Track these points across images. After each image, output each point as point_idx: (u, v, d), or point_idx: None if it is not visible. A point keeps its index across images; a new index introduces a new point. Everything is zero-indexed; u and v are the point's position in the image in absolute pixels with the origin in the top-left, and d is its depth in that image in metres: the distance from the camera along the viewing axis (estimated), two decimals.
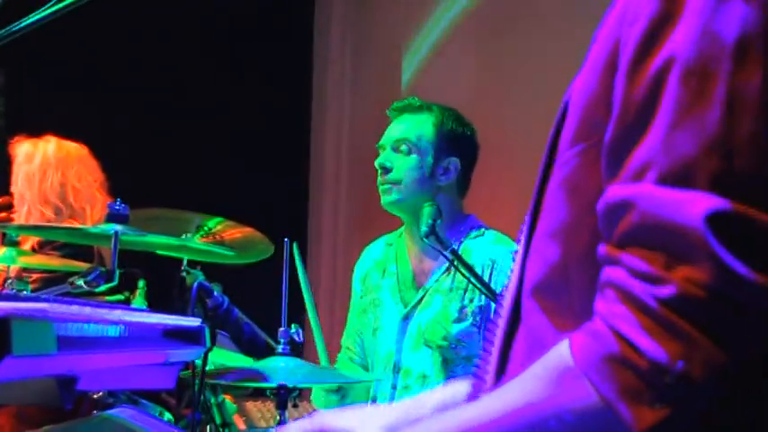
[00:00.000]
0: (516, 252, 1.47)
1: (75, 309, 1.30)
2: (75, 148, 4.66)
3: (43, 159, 4.56)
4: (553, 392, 1.21)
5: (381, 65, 6.50)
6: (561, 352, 1.22)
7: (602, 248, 1.23)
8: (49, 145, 4.61)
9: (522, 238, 1.43)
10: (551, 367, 1.22)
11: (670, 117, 1.18)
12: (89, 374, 1.44)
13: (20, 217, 4.51)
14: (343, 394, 3.57)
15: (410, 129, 3.50)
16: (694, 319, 1.13)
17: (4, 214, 4.66)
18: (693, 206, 1.14)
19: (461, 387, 1.68)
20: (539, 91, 5.49)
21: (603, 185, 1.24)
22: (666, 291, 1.14)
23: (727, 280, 1.12)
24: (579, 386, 1.18)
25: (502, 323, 1.43)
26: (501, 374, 1.40)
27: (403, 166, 3.46)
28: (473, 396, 1.50)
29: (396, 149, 3.49)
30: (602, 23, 1.32)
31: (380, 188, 3.48)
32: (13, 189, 4.64)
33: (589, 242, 1.28)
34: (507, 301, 1.43)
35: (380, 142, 3.55)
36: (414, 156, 3.46)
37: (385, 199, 3.48)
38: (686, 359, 1.12)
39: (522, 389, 1.25)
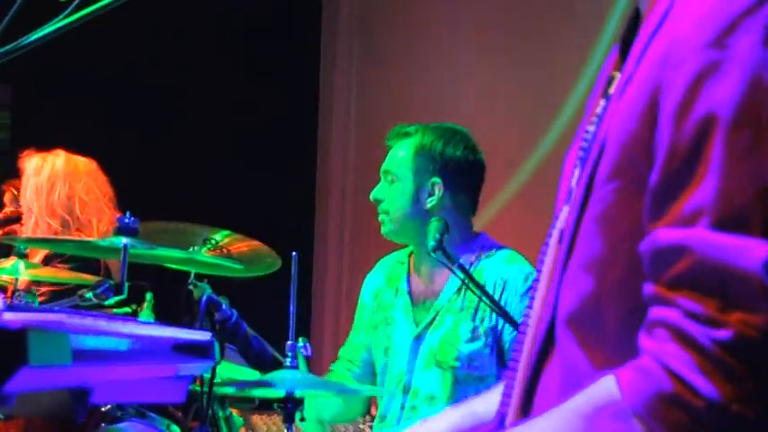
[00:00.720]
0: (537, 281, 1.48)
1: (89, 321, 1.31)
2: (83, 163, 4.67)
3: (51, 172, 4.57)
4: (595, 427, 1.22)
5: (388, 75, 6.50)
6: (608, 387, 1.22)
7: (651, 288, 1.24)
8: (58, 158, 4.63)
9: (550, 259, 1.44)
10: (596, 402, 1.23)
11: (723, 164, 1.20)
12: (101, 387, 1.44)
13: (27, 229, 4.52)
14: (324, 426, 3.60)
15: (392, 158, 3.51)
16: (750, 361, 1.15)
17: (10, 227, 4.67)
18: (751, 252, 1.17)
19: (480, 405, 1.68)
20: (547, 102, 5.50)
21: (646, 226, 1.26)
22: (723, 333, 1.16)
23: None
24: (626, 423, 1.19)
25: (530, 350, 1.43)
26: (529, 400, 1.41)
27: (389, 197, 3.48)
28: (498, 420, 1.50)
29: (387, 181, 3.51)
30: (637, 57, 1.32)
31: (378, 218, 3.52)
32: (22, 202, 4.66)
33: (622, 277, 1.30)
34: (536, 329, 1.43)
35: (380, 171, 3.57)
36: (396, 185, 3.47)
37: (382, 230, 3.52)
38: (741, 401, 1.14)
39: (565, 422, 1.26)
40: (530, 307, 1.49)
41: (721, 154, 1.20)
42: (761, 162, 1.19)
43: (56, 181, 4.56)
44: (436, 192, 3.45)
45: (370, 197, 3.54)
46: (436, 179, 3.45)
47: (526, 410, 1.41)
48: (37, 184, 4.55)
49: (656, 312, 1.22)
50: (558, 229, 1.44)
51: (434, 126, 3.54)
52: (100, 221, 4.52)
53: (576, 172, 1.43)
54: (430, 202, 3.44)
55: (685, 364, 1.17)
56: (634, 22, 1.41)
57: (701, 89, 1.22)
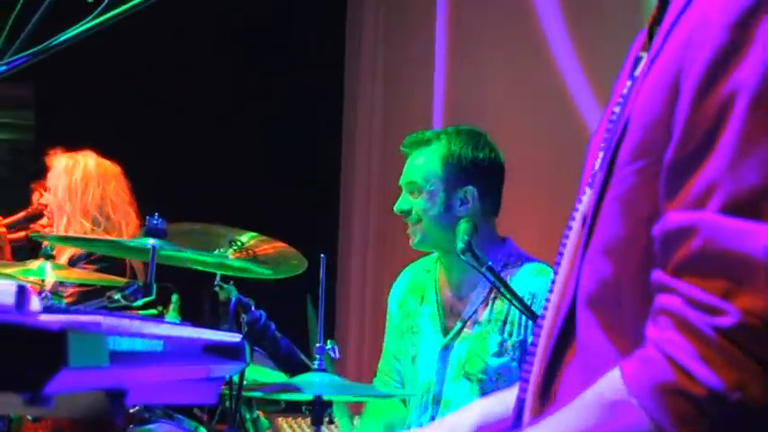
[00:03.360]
0: (558, 264, 1.46)
1: (126, 322, 1.30)
2: (111, 165, 4.72)
3: (84, 172, 4.62)
4: (604, 420, 1.21)
5: (413, 78, 6.49)
6: (612, 378, 1.22)
7: (657, 274, 1.23)
8: (89, 159, 4.68)
9: (571, 244, 1.42)
10: (602, 394, 1.23)
11: (736, 145, 1.18)
12: (136, 388, 1.44)
13: (59, 228, 4.55)
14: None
15: (417, 169, 3.44)
16: (752, 349, 1.14)
17: (33, 226, 4.69)
18: (758, 237, 1.15)
19: (500, 400, 1.67)
20: (569, 109, 5.49)
21: (661, 207, 1.25)
22: (725, 320, 1.15)
23: None
24: (631, 413, 1.18)
25: (549, 333, 1.42)
26: (548, 385, 1.40)
27: (418, 207, 3.43)
28: (516, 410, 1.49)
29: (410, 192, 3.46)
30: (663, 37, 1.31)
31: (408, 231, 3.48)
32: (44, 200, 4.68)
33: (641, 260, 1.28)
34: (555, 310, 1.42)
35: (399, 182, 3.53)
36: (425, 196, 3.41)
37: (411, 241, 3.48)
38: (742, 389, 1.13)
39: (574, 417, 1.25)
40: (550, 291, 1.47)
41: (736, 135, 1.18)
42: None
43: (89, 181, 4.60)
44: (470, 200, 3.41)
45: (395, 210, 3.48)
46: (470, 187, 3.41)
47: (545, 395, 1.40)
48: (70, 183, 4.59)
49: (660, 300, 1.21)
50: (582, 213, 1.43)
51: (456, 130, 3.49)
52: (128, 224, 4.56)
53: (600, 154, 1.42)
54: (463, 211, 3.40)
55: (686, 353, 1.16)
56: (663, 4, 1.40)
57: (722, 69, 1.21)
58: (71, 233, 4.47)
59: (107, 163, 4.72)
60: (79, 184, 4.59)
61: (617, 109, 1.43)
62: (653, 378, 1.17)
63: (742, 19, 1.22)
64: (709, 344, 1.15)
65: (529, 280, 3.38)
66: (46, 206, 4.67)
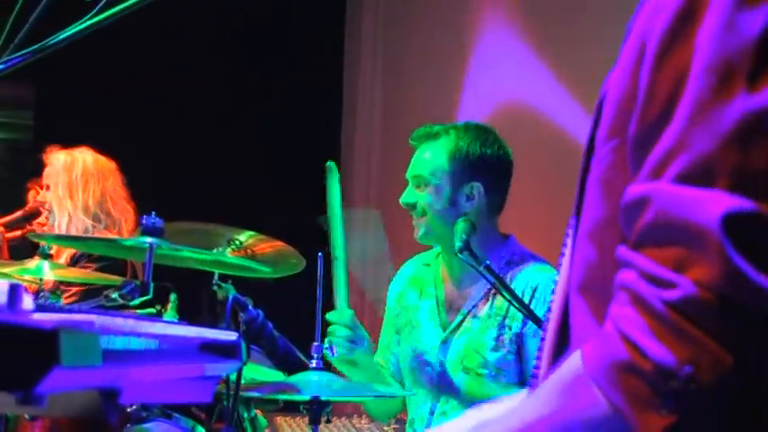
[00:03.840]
0: (563, 255, 1.46)
1: (119, 321, 1.30)
2: (106, 161, 4.73)
3: (84, 169, 4.62)
4: (564, 403, 1.19)
5: (412, 78, 6.49)
6: (573, 360, 1.20)
7: (620, 249, 1.20)
8: (87, 155, 4.68)
9: (570, 238, 1.42)
10: (562, 377, 1.21)
11: (689, 112, 1.15)
12: (130, 387, 1.43)
13: (60, 226, 4.55)
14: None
15: (424, 163, 3.44)
16: (702, 322, 1.09)
17: (30, 225, 4.69)
18: (710, 205, 1.11)
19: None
20: (569, 110, 5.49)
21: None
22: (674, 294, 1.11)
23: (738, 284, 1.09)
24: (589, 394, 1.15)
25: (552, 328, 1.41)
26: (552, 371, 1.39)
27: (424, 201, 3.43)
28: None
29: (416, 186, 3.46)
30: (633, 17, 1.30)
31: (413, 224, 3.48)
32: (41, 198, 4.67)
33: (620, 241, 1.24)
34: (558, 298, 1.41)
35: (406, 175, 3.53)
36: (431, 190, 3.42)
37: (415, 234, 3.48)
38: (694, 363, 1.09)
39: (536, 403, 1.24)
40: (553, 292, 1.47)
41: (688, 101, 1.15)
42: (729, 109, 1.13)
43: (89, 178, 4.61)
44: (476, 196, 3.41)
45: (400, 202, 3.49)
46: (476, 183, 3.41)
47: None
48: (70, 180, 4.59)
49: (619, 275, 1.18)
50: (575, 207, 1.40)
51: (465, 126, 3.50)
52: (127, 221, 4.56)
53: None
54: (469, 207, 3.40)
55: (638, 327, 1.12)
56: None
57: (678, 34, 1.18)
58: (72, 230, 4.47)
59: (103, 159, 4.72)
60: (80, 181, 4.59)
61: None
62: (608, 355, 1.14)
63: None
64: (660, 318, 1.10)
65: (532, 275, 3.39)
66: (43, 204, 4.66)
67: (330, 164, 3.33)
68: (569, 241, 1.41)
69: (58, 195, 4.60)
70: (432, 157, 3.43)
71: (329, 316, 3.32)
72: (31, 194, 4.81)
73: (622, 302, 1.16)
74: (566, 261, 1.42)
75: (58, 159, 4.65)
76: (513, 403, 1.65)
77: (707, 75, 1.15)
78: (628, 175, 1.23)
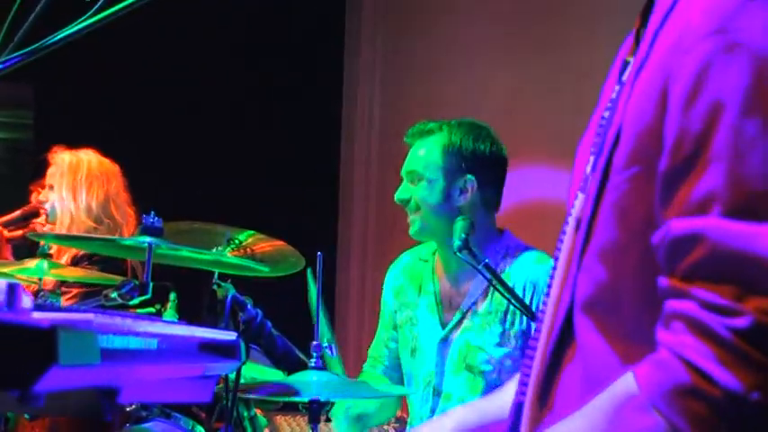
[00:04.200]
0: (554, 269, 1.46)
1: (118, 320, 1.30)
2: (110, 164, 4.72)
3: (89, 171, 4.61)
4: (618, 424, 1.21)
5: (412, 75, 6.49)
6: (627, 383, 1.22)
7: (665, 281, 1.23)
8: (92, 158, 4.67)
9: (566, 248, 1.43)
10: (617, 399, 1.23)
11: (732, 150, 1.19)
12: (129, 386, 1.44)
13: (62, 227, 4.54)
14: (363, 422, 3.57)
15: (418, 158, 3.45)
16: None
17: (30, 225, 4.68)
18: (764, 238, 1.16)
19: (490, 403, 1.67)
20: (567, 109, 5.49)
21: (657, 215, 1.25)
22: (740, 322, 1.15)
23: None
24: (646, 417, 1.18)
25: (547, 338, 1.42)
26: (547, 388, 1.39)
27: (418, 195, 3.43)
28: (514, 415, 1.49)
29: (410, 181, 3.47)
30: (649, 47, 1.31)
31: (408, 220, 3.48)
32: (43, 197, 4.65)
33: (637, 265, 1.29)
34: (554, 316, 1.42)
35: (401, 172, 3.54)
36: (424, 184, 3.42)
37: (410, 230, 3.48)
38: (761, 389, 1.13)
39: (588, 422, 1.25)
40: (547, 295, 1.48)
41: (730, 140, 1.19)
42: None
43: (93, 180, 4.60)
44: (469, 189, 3.42)
45: (395, 198, 3.50)
46: (470, 177, 3.42)
47: (544, 398, 1.40)
48: (74, 182, 4.58)
49: (672, 305, 1.21)
50: (575, 218, 1.43)
51: (458, 122, 3.50)
52: (128, 224, 4.56)
53: (591, 159, 1.43)
54: (462, 201, 3.41)
55: (702, 355, 1.16)
56: (649, 8, 1.40)
57: (709, 75, 1.21)
58: (74, 231, 4.46)
59: (107, 161, 4.72)
60: (84, 183, 4.58)
61: (606, 114, 1.44)
62: (669, 381, 1.17)
63: (726, 24, 1.22)
64: (726, 345, 1.15)
65: (529, 268, 3.39)
66: (44, 204, 4.65)
67: (308, 270, 3.33)
68: (567, 253, 1.42)
69: (61, 196, 4.58)
70: (425, 153, 3.45)
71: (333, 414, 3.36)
72: (33, 196, 4.79)
73: (679, 331, 1.19)
74: (562, 268, 1.43)
75: (62, 160, 4.64)
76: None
77: (749, 114, 1.19)
78: (646, 204, 1.27)
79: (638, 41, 1.41)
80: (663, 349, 1.20)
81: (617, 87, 1.44)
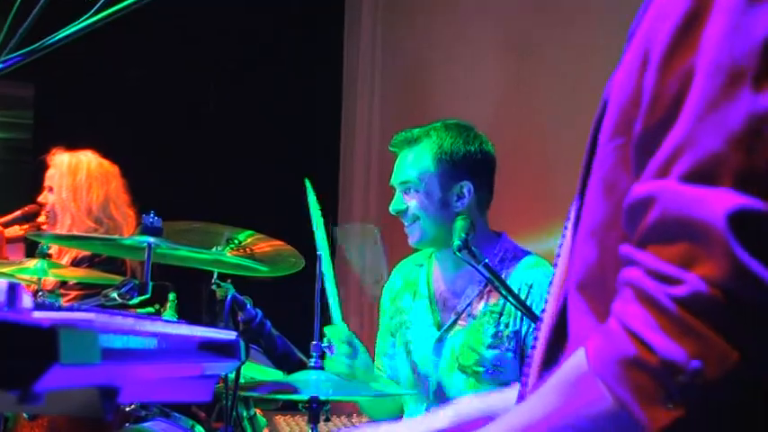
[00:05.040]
0: (556, 265, 1.46)
1: (118, 320, 1.30)
2: (110, 165, 4.73)
3: (88, 173, 4.63)
4: (568, 400, 1.20)
5: (410, 79, 6.49)
6: (577, 357, 1.21)
7: (624, 248, 1.21)
8: (92, 159, 4.68)
9: (568, 233, 1.42)
10: (568, 375, 1.22)
11: (695, 112, 1.16)
12: (129, 386, 1.44)
13: (62, 227, 4.55)
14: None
15: (410, 168, 3.41)
16: (709, 318, 1.11)
17: (28, 225, 4.69)
18: (716, 203, 1.13)
19: (495, 398, 1.67)
20: (565, 107, 5.49)
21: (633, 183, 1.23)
22: (682, 290, 1.12)
23: (745, 280, 1.10)
24: (594, 390, 1.17)
25: (547, 324, 1.42)
26: (546, 376, 1.39)
27: (415, 206, 3.40)
28: (518, 401, 1.49)
29: (404, 192, 3.44)
30: (637, 21, 1.31)
31: (406, 230, 3.46)
32: (43, 199, 4.66)
33: (619, 240, 1.26)
34: (554, 297, 1.42)
35: (391, 182, 3.51)
36: (421, 194, 3.39)
37: (411, 240, 3.45)
38: (701, 358, 1.10)
39: (541, 401, 1.24)
40: (550, 285, 1.47)
41: (695, 101, 1.17)
42: (736, 109, 1.15)
43: (93, 181, 4.61)
44: (466, 194, 3.40)
45: (391, 210, 3.46)
46: (465, 182, 3.40)
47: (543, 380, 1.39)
48: (74, 184, 4.59)
49: (624, 272, 1.20)
50: (575, 207, 1.41)
51: (444, 125, 3.46)
52: (128, 225, 4.57)
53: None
54: (460, 206, 3.39)
55: (645, 324, 1.13)
56: None
57: (685, 37, 1.20)
58: (75, 233, 4.47)
59: (107, 163, 4.73)
60: (84, 184, 4.59)
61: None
62: (614, 351, 1.15)
63: None
64: (667, 313, 1.12)
65: (526, 272, 3.38)
66: (44, 205, 4.66)
67: (306, 181, 3.32)
68: (567, 238, 1.42)
69: (61, 198, 4.59)
70: (416, 162, 3.41)
71: (326, 330, 3.30)
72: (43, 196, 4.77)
73: (627, 299, 1.17)
74: (563, 257, 1.43)
75: (62, 162, 4.65)
76: (480, 403, 1.67)
77: (714, 75, 1.16)
78: (630, 176, 1.24)
79: None
80: (612, 319, 1.18)
81: None
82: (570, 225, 1.42)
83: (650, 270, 1.15)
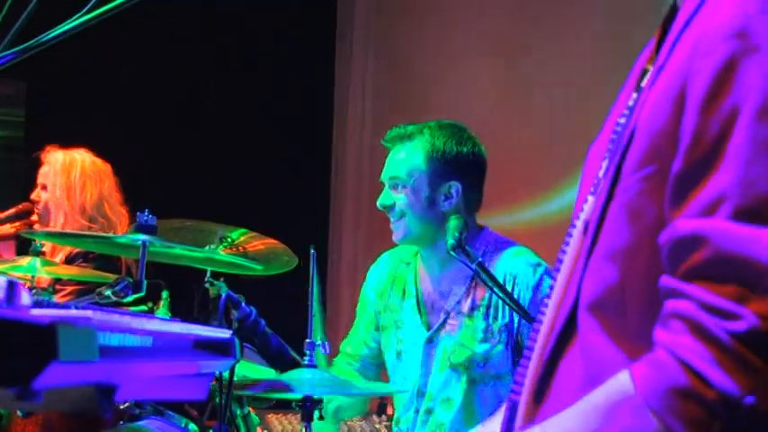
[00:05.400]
0: (557, 270, 1.47)
1: (116, 318, 1.31)
2: (103, 164, 4.72)
3: (82, 171, 4.61)
4: (612, 422, 1.21)
5: (402, 79, 6.50)
6: (622, 382, 1.22)
7: (667, 280, 1.23)
8: (86, 157, 4.66)
9: (573, 250, 1.43)
10: (611, 398, 1.23)
11: (746, 153, 1.19)
12: (125, 383, 1.44)
13: (55, 225, 4.54)
14: (339, 416, 3.58)
15: (400, 164, 3.42)
16: (766, 353, 1.14)
17: (19, 223, 4.67)
18: None
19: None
20: (558, 106, 5.50)
21: (667, 216, 1.25)
22: (739, 325, 1.15)
23: None
24: (641, 417, 1.18)
25: (547, 337, 1.42)
26: (543, 387, 1.39)
27: (402, 202, 3.40)
28: (509, 414, 1.49)
29: (392, 187, 3.45)
30: (669, 52, 1.31)
31: (391, 226, 3.46)
32: (36, 196, 4.65)
33: (646, 266, 1.29)
34: (555, 314, 1.42)
35: (381, 178, 3.51)
36: (409, 191, 3.39)
37: (395, 237, 3.45)
38: (756, 393, 1.13)
39: (581, 418, 1.25)
40: (548, 297, 1.48)
41: (743, 143, 1.19)
42: None
43: (87, 180, 4.59)
44: (454, 195, 3.40)
45: (378, 205, 3.46)
46: (453, 182, 3.40)
47: (540, 395, 1.40)
48: (68, 182, 4.57)
49: (671, 304, 1.22)
50: (583, 221, 1.43)
51: (438, 125, 3.46)
52: (121, 224, 4.56)
53: (605, 163, 1.43)
54: (447, 206, 3.39)
55: (700, 357, 1.16)
56: (671, 16, 1.41)
57: (728, 79, 1.21)
58: (69, 231, 4.46)
59: (100, 161, 4.72)
60: (77, 183, 4.58)
61: (622, 120, 1.44)
62: (665, 381, 1.17)
63: (746, 28, 1.22)
64: (724, 348, 1.15)
65: (508, 262, 3.38)
66: (37, 203, 4.64)
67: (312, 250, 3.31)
68: (573, 255, 1.42)
69: (55, 196, 4.58)
70: (407, 158, 3.41)
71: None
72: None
73: (678, 331, 1.19)
74: (567, 270, 1.43)
75: (56, 159, 4.63)
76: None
77: (761, 117, 1.19)
78: (658, 206, 1.27)
79: (658, 49, 1.41)
80: (660, 349, 1.21)
81: (634, 95, 1.45)
82: (576, 240, 1.43)
83: (704, 304, 1.18)
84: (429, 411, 3.40)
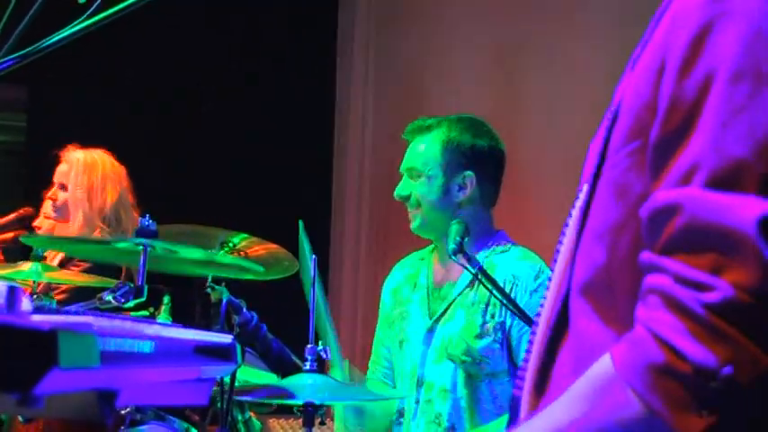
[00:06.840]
0: (555, 261, 1.46)
1: (117, 323, 1.30)
2: (120, 167, 4.65)
3: (104, 172, 4.55)
4: (596, 406, 1.20)
5: (404, 84, 6.50)
6: (602, 363, 1.21)
7: (645, 255, 1.21)
8: (105, 158, 4.60)
9: (568, 237, 1.42)
10: (593, 380, 1.21)
11: (719, 119, 1.17)
12: (127, 389, 1.44)
13: (72, 224, 4.49)
14: (361, 413, 3.56)
15: (418, 155, 3.48)
16: (741, 323, 1.11)
17: (21, 231, 4.64)
18: (744, 210, 1.13)
19: None
20: (557, 109, 5.50)
21: (649, 189, 1.23)
22: (713, 296, 1.13)
23: None
24: (622, 397, 1.17)
25: (544, 325, 1.41)
26: (543, 378, 1.39)
27: (417, 192, 3.47)
28: (513, 404, 1.49)
29: (410, 178, 3.50)
30: (651, 28, 1.31)
31: (409, 216, 3.50)
32: (52, 195, 4.58)
33: (632, 244, 1.27)
34: (552, 302, 1.41)
35: (400, 168, 3.56)
36: (423, 180, 3.45)
37: (411, 225, 3.51)
38: (733, 364, 1.11)
39: (567, 406, 1.24)
40: (547, 289, 1.47)
41: (717, 108, 1.17)
42: (759, 115, 1.16)
43: (108, 182, 4.53)
44: (468, 185, 3.45)
45: (395, 195, 3.53)
46: (468, 172, 3.45)
47: (541, 387, 1.39)
48: (90, 182, 4.50)
49: (649, 280, 1.20)
50: (579, 208, 1.41)
51: (457, 118, 3.54)
52: (132, 228, 4.52)
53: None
54: (461, 196, 3.44)
55: (674, 330, 1.14)
56: None
57: (703, 43, 1.20)
58: (86, 231, 4.42)
59: (117, 163, 4.65)
60: (99, 183, 4.51)
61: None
62: (642, 358, 1.15)
63: None
64: (699, 320, 1.12)
65: (514, 263, 3.41)
66: (55, 201, 4.56)
67: (300, 222, 3.32)
68: (567, 240, 1.42)
69: (75, 196, 4.50)
70: (425, 149, 3.48)
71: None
72: (46, 204, 4.68)
73: (654, 306, 1.17)
74: (563, 258, 1.42)
75: (77, 159, 4.55)
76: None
77: (736, 81, 1.17)
78: (645, 180, 1.25)
79: None
80: (639, 326, 1.18)
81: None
82: (572, 227, 1.42)
83: (679, 277, 1.16)
84: (429, 401, 3.42)
